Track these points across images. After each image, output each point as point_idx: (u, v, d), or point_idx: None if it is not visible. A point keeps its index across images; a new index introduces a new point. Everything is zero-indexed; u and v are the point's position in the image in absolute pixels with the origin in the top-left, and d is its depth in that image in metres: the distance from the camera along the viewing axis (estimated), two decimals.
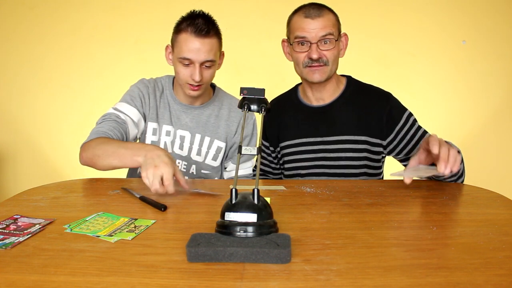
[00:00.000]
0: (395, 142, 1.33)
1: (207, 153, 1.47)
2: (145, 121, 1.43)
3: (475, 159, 2.71)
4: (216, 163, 1.49)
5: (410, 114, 1.34)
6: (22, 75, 2.71)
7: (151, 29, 2.58)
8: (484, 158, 2.66)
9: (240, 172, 1.50)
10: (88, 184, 1.23)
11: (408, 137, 1.32)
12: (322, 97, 1.37)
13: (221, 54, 1.42)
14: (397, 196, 1.05)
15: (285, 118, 1.43)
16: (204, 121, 1.47)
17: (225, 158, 1.52)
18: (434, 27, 2.59)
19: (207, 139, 1.47)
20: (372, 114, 1.33)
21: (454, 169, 0.99)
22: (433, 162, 1.07)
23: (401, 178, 1.08)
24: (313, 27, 1.25)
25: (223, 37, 1.38)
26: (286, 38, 1.36)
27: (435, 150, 1.00)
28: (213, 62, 1.34)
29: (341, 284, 0.60)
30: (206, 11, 1.35)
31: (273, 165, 1.51)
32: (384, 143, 1.34)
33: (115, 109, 1.36)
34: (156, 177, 1.00)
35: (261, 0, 2.59)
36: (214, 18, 1.34)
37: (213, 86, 1.53)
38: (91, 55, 2.69)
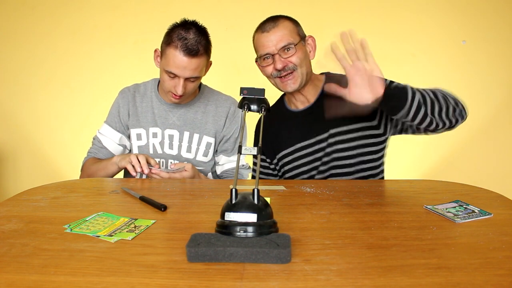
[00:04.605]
0: (384, 114, 1.31)
1: (197, 149, 1.49)
2: (128, 130, 1.51)
3: (475, 159, 2.71)
4: (207, 159, 1.51)
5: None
6: (22, 75, 2.71)
7: (150, 30, 2.56)
8: (484, 158, 2.65)
9: (233, 164, 1.52)
10: (88, 184, 1.23)
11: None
12: (306, 98, 1.38)
13: (209, 65, 1.44)
14: (397, 196, 1.05)
15: (277, 129, 1.43)
16: (191, 118, 1.48)
17: (215, 152, 1.53)
18: (434, 27, 2.58)
19: (196, 136, 1.48)
20: None
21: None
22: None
23: None
24: (271, 40, 1.27)
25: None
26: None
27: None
28: (198, 78, 1.38)
29: (341, 284, 0.60)
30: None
31: (274, 173, 1.49)
32: (375, 122, 1.32)
33: (100, 133, 1.51)
34: (134, 158, 1.27)
35: (261, 0, 2.59)
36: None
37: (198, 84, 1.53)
38: (91, 55, 2.68)
